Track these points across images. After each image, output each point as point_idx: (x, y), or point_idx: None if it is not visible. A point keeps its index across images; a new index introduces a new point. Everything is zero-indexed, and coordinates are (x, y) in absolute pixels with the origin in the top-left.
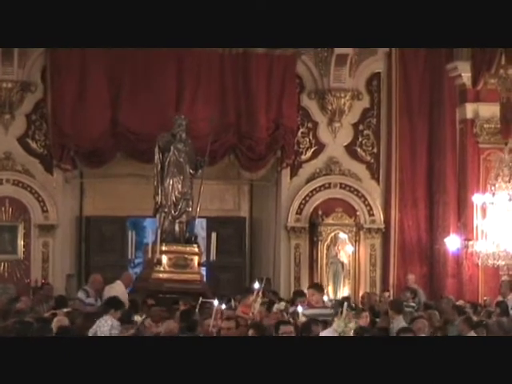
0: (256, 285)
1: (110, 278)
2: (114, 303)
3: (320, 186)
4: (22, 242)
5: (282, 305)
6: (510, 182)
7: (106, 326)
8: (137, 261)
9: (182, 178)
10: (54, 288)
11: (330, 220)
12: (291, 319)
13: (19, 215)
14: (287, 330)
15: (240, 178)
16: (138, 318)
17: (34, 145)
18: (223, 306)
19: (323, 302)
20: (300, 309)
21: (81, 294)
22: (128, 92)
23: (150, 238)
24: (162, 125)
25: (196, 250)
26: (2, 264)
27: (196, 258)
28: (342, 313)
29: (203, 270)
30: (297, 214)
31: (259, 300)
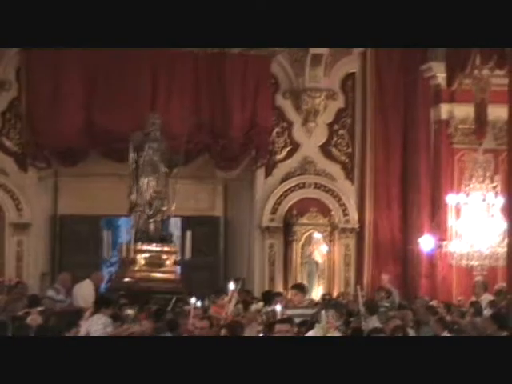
0: (231, 285)
1: (83, 277)
2: (103, 301)
3: (294, 186)
4: None
5: (260, 305)
6: (483, 182)
7: (99, 324)
8: (113, 260)
9: (156, 176)
10: (28, 287)
11: (304, 220)
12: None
13: None
14: (283, 329)
15: (214, 178)
16: (130, 312)
17: (8, 143)
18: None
19: (310, 302)
20: (279, 308)
21: (51, 292)
22: (102, 91)
23: (124, 237)
24: (136, 124)
25: (171, 249)
26: None
27: (171, 257)
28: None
29: (178, 269)
30: (271, 213)
31: (234, 301)
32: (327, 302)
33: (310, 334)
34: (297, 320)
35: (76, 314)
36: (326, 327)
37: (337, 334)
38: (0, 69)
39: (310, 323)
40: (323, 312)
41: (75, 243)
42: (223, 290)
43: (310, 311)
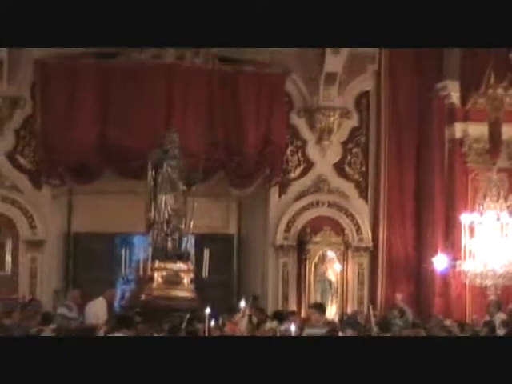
0: (242, 303)
1: (96, 295)
2: (124, 321)
3: (308, 204)
4: (10, 258)
5: (274, 323)
6: (497, 201)
7: None
8: (130, 277)
9: (174, 194)
10: (41, 304)
11: (318, 238)
12: None
13: (8, 231)
14: None
15: (228, 195)
16: None
17: (22, 160)
18: (212, 323)
19: (325, 321)
20: (293, 327)
21: (63, 310)
22: (117, 108)
23: (139, 254)
24: (151, 141)
25: (188, 266)
26: None
27: (188, 275)
28: None
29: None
30: (285, 231)
31: (246, 318)
32: (345, 321)
33: None
34: None
35: (89, 332)
36: None
37: None
38: (15, 86)
39: None
40: (340, 332)
41: (89, 261)
42: (236, 308)
43: (326, 330)
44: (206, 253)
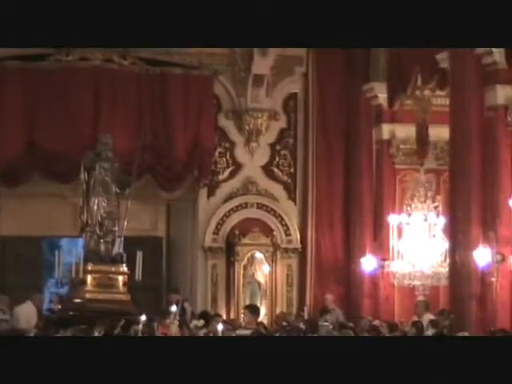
0: (173, 307)
1: (24, 299)
2: (63, 322)
3: (237, 206)
4: None
5: (201, 322)
6: (425, 202)
7: None
8: (64, 280)
9: (107, 197)
10: None
11: (246, 240)
12: None
13: None
14: None
15: (157, 198)
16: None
17: None
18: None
19: (256, 323)
20: (220, 327)
21: None
22: (45, 111)
23: (67, 257)
24: (79, 145)
25: (122, 269)
26: None
27: (122, 278)
28: None
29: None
30: (214, 233)
31: (176, 322)
32: (286, 326)
33: None
34: None
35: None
36: None
37: None
38: None
39: None
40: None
41: (16, 264)
42: (166, 312)
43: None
44: (139, 255)
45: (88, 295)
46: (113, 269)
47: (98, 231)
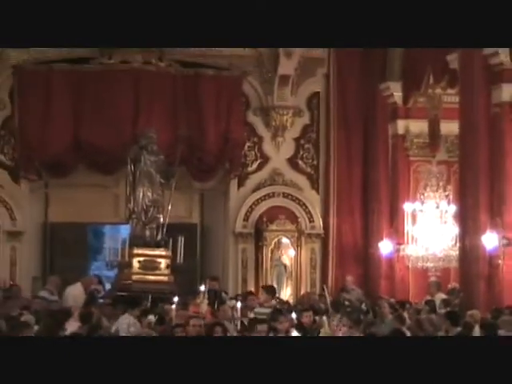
0: (202, 287)
1: (71, 280)
2: (130, 302)
3: (265, 196)
4: None
5: (233, 302)
6: (437, 191)
7: (123, 324)
8: (114, 263)
9: (152, 186)
10: (21, 289)
11: (273, 226)
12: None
13: None
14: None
15: (191, 188)
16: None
17: (2, 157)
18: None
19: (273, 303)
20: (239, 304)
21: (44, 293)
22: (89, 109)
23: (109, 242)
24: (120, 140)
25: (165, 253)
26: None
27: (165, 261)
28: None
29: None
30: (244, 220)
31: (205, 301)
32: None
33: None
34: None
35: (65, 314)
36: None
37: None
38: None
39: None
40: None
41: (64, 249)
42: (198, 291)
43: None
44: (181, 240)
45: (134, 277)
46: (157, 252)
47: (143, 218)
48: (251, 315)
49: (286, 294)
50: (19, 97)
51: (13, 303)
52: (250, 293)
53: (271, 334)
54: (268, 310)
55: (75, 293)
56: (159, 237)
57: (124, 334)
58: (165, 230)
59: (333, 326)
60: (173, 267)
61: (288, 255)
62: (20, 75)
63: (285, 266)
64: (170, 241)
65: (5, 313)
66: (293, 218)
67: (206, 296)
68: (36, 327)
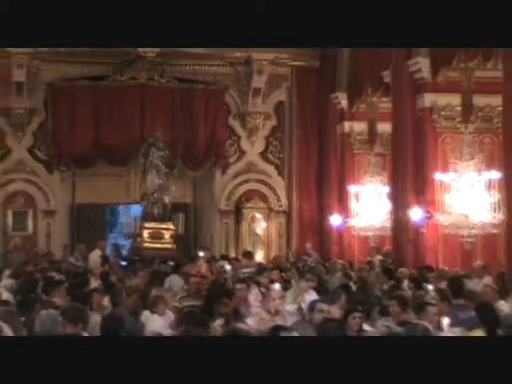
0: (201, 253)
1: (93, 247)
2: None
3: (242, 181)
4: (31, 223)
5: (222, 262)
6: (375, 176)
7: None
8: (130, 234)
9: (158, 175)
10: (54, 255)
11: (249, 205)
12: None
13: (29, 204)
14: (242, 287)
15: (185, 176)
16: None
17: (39, 154)
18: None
19: (254, 264)
20: (227, 267)
21: (72, 259)
22: (106, 116)
23: (122, 218)
24: (130, 140)
25: (169, 226)
26: (18, 238)
27: (169, 232)
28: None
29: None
30: (226, 200)
31: (204, 264)
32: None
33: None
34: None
35: (87, 274)
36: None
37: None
38: (32, 100)
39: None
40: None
41: (87, 224)
42: (196, 256)
43: (250, 270)
44: (182, 216)
45: (145, 244)
46: (162, 225)
47: (151, 199)
48: (239, 275)
49: (260, 256)
50: (51, 106)
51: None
52: (235, 258)
53: (255, 287)
54: (251, 270)
55: (95, 257)
56: (164, 214)
57: None
58: (169, 208)
59: (301, 284)
60: (174, 237)
61: (261, 227)
62: (51, 90)
63: (258, 236)
64: (174, 217)
65: (43, 273)
66: (264, 199)
67: (205, 260)
68: (66, 284)
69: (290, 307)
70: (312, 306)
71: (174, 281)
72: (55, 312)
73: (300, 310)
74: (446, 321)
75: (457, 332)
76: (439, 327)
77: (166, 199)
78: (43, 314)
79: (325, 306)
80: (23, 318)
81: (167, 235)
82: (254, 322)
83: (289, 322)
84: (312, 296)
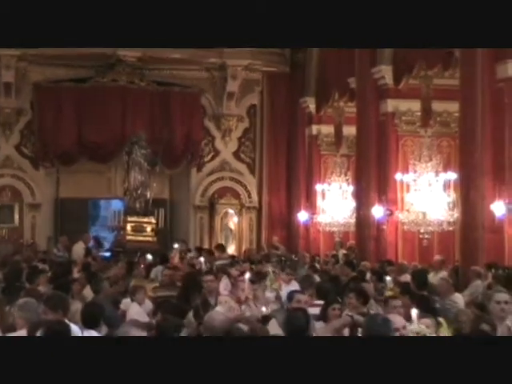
0: (175, 245)
1: (76, 239)
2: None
3: (216, 179)
4: (18, 216)
5: (193, 253)
6: (340, 176)
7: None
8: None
9: (140, 172)
10: (38, 245)
11: (223, 201)
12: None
13: (16, 197)
14: (210, 279)
15: (163, 173)
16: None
17: (25, 150)
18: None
19: (226, 256)
20: (202, 259)
21: (55, 250)
22: (88, 116)
23: (103, 212)
24: (112, 138)
25: (150, 220)
26: (4, 230)
27: (150, 226)
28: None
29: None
30: (201, 196)
31: (177, 254)
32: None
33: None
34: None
35: (70, 264)
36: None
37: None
38: (20, 100)
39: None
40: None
41: (71, 217)
42: (172, 248)
43: (223, 262)
44: (162, 211)
45: (128, 237)
46: (144, 219)
47: (134, 194)
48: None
49: (232, 249)
50: (37, 106)
51: (33, 256)
52: (208, 250)
53: (226, 277)
54: (224, 262)
55: (78, 249)
56: (146, 208)
57: None
58: (150, 203)
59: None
60: (155, 230)
61: (233, 222)
62: (38, 90)
63: (230, 230)
64: (154, 211)
65: (28, 262)
66: (236, 195)
67: (178, 251)
68: (49, 273)
69: (270, 295)
70: (290, 296)
71: (159, 271)
72: (33, 300)
73: (278, 298)
74: (414, 312)
75: (426, 322)
76: (408, 319)
77: (148, 195)
78: (21, 301)
79: (302, 297)
80: (8, 307)
81: (149, 228)
82: (223, 310)
83: (269, 309)
84: (294, 287)
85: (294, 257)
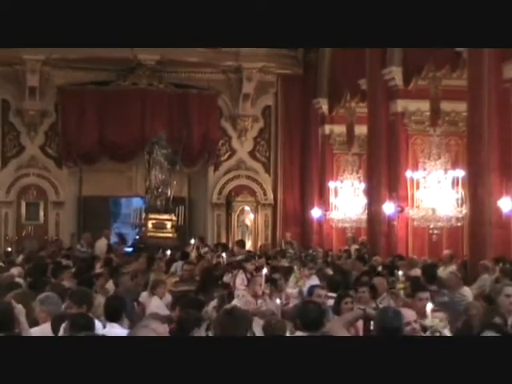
0: (192, 240)
1: (98, 236)
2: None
3: (233, 177)
4: (43, 213)
5: (207, 249)
6: (352, 174)
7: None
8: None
9: (161, 170)
10: (63, 242)
11: (239, 198)
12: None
13: (41, 196)
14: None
15: (182, 172)
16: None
17: (50, 151)
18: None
19: (244, 252)
20: (224, 255)
21: (78, 246)
22: (110, 118)
23: (125, 210)
24: (132, 139)
25: (171, 217)
26: (30, 227)
27: (170, 223)
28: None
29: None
30: (218, 194)
31: (195, 250)
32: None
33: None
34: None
35: (93, 260)
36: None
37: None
38: (44, 103)
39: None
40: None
41: (93, 214)
42: (189, 244)
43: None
44: (182, 208)
45: (149, 234)
46: (165, 217)
47: (155, 193)
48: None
49: (248, 245)
50: (61, 108)
51: (57, 252)
52: (224, 245)
53: (242, 272)
54: (241, 257)
55: (101, 245)
56: (167, 206)
57: None
58: (170, 201)
59: (302, 272)
60: (175, 227)
61: (249, 219)
62: (62, 93)
63: (247, 226)
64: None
65: (52, 258)
66: (252, 193)
67: (195, 247)
68: (73, 269)
69: (292, 290)
70: (311, 290)
71: (179, 266)
72: (54, 294)
73: (300, 292)
74: (429, 306)
75: (439, 316)
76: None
77: (169, 193)
78: (43, 295)
79: (322, 292)
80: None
81: (169, 225)
82: (240, 303)
83: (291, 303)
84: (314, 281)
85: (311, 251)
